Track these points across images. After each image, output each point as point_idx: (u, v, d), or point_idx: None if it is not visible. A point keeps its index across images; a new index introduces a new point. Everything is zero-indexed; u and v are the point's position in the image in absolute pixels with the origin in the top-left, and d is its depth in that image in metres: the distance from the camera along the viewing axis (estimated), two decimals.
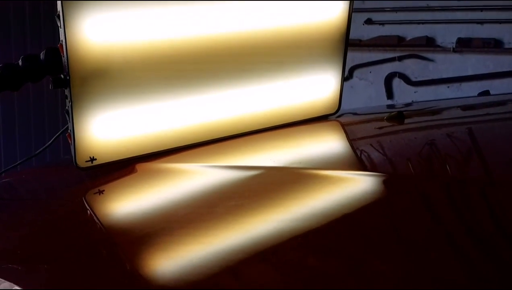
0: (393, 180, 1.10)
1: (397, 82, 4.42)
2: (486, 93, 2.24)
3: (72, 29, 1.17)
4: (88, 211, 1.19)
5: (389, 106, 3.27)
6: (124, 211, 1.17)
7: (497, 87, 4.07)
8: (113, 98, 1.27)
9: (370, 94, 4.49)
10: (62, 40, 1.19)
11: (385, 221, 0.93)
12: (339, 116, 1.69)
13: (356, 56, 4.55)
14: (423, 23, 4.27)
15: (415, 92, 4.34)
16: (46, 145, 1.45)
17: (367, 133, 1.49)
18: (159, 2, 1.27)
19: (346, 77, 4.67)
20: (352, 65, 4.57)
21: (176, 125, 1.39)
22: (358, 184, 1.08)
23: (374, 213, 0.96)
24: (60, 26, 1.17)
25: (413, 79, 4.37)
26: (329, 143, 1.46)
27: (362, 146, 1.36)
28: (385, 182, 1.09)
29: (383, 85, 4.49)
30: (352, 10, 1.61)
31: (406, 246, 0.83)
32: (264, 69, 1.50)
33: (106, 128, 1.29)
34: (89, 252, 0.96)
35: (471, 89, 4.16)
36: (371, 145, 1.34)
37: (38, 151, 1.50)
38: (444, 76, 4.26)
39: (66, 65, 1.19)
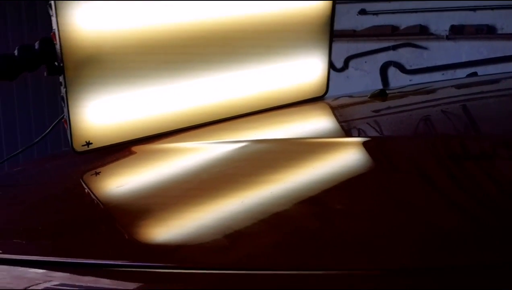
0: (378, 142, 1.16)
1: (392, 71, 4.46)
2: (474, 74, 2.29)
3: (64, 17, 1.23)
4: (86, 190, 1.24)
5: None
6: (118, 189, 1.23)
7: (491, 72, 4.11)
8: (107, 83, 1.33)
9: (366, 83, 4.54)
10: (54, 29, 1.24)
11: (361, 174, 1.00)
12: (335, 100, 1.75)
13: (351, 47, 4.60)
14: (416, 11, 4.31)
15: (410, 80, 4.38)
16: (45, 132, 1.51)
17: (353, 110, 1.55)
18: None
19: (341, 68, 4.71)
20: (347, 55, 4.61)
21: (168, 109, 1.44)
22: (340, 148, 1.14)
23: (353, 170, 1.02)
24: (52, 14, 1.23)
25: (408, 68, 4.41)
26: (317, 119, 1.52)
27: (347, 119, 1.43)
28: (367, 144, 1.15)
29: (379, 75, 4.53)
30: None
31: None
32: (253, 53, 1.56)
33: (100, 113, 1.34)
34: (87, 227, 1.02)
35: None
36: (356, 118, 1.41)
37: (37, 139, 1.55)
38: (439, 63, 4.30)
39: (60, 52, 1.25)
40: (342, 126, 1.40)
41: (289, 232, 0.82)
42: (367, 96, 1.52)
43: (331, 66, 4.93)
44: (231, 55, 1.52)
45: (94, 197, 1.18)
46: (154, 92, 1.40)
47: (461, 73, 4.24)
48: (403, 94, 1.60)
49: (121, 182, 1.27)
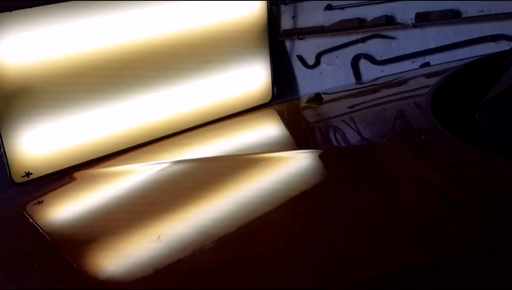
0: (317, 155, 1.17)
1: (363, 63, 4.47)
2: (426, 64, 2.31)
3: None
4: (30, 221, 1.25)
5: (357, 83, 3.37)
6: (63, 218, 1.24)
7: (459, 56, 4.12)
8: (40, 113, 1.34)
9: (339, 78, 4.55)
10: None
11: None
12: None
13: (321, 43, 4.61)
14: (381, 2, 4.32)
15: (381, 71, 4.39)
16: None
17: (290, 118, 1.57)
18: (72, 16, 1.34)
19: (313, 64, 4.73)
20: (318, 51, 4.62)
21: (107, 132, 1.46)
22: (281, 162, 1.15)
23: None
24: None
25: (378, 59, 4.42)
26: (256, 131, 1.53)
27: (281, 131, 1.44)
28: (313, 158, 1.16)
29: (351, 68, 4.54)
30: (270, 2, 1.67)
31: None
32: (190, 68, 1.57)
33: (37, 142, 1.35)
34: (34, 261, 1.04)
35: (435, 61, 4.20)
36: (290, 128, 1.42)
37: None
38: (408, 52, 4.31)
39: None
40: (278, 139, 1.41)
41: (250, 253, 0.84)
42: (304, 100, 1.54)
43: (303, 63, 4.90)
44: (168, 72, 1.53)
45: (39, 229, 1.19)
46: (91, 116, 1.42)
47: (431, 59, 4.25)
48: (337, 97, 1.62)
49: (64, 210, 1.28)
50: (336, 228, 0.85)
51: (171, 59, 1.52)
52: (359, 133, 1.21)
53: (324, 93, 1.57)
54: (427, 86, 1.30)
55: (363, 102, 1.49)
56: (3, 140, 1.30)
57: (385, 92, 1.58)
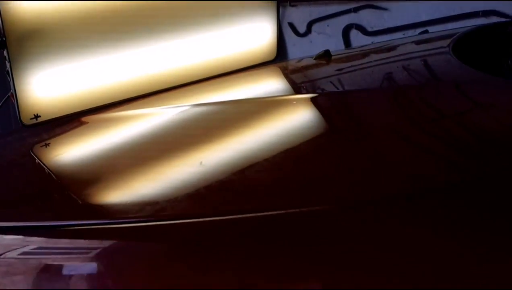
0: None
1: (354, 34, 4.47)
2: (425, 32, 2.33)
3: None
4: (36, 161, 1.26)
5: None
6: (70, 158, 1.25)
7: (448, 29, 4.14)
8: (52, 55, 1.34)
9: (329, 47, 4.53)
10: None
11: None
12: None
13: (313, 11, 4.60)
14: None
15: (372, 42, 4.40)
16: None
17: (300, 72, 1.60)
18: None
19: (304, 33, 4.72)
20: (309, 20, 4.62)
21: (116, 79, 1.46)
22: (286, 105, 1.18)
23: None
24: None
25: (369, 30, 4.43)
26: (267, 81, 1.55)
27: (296, 80, 1.47)
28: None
29: (341, 38, 4.55)
30: None
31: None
32: (200, 20, 1.57)
33: (47, 85, 1.35)
34: (41, 196, 1.05)
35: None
36: (301, 78, 1.45)
37: None
38: (399, 24, 4.32)
39: (1, 27, 1.26)
40: (292, 85, 1.44)
41: (251, 181, 0.88)
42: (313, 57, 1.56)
43: (294, 31, 4.89)
44: (178, 22, 1.53)
45: (45, 168, 1.20)
46: (101, 62, 1.42)
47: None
48: (349, 55, 1.64)
49: (70, 152, 1.29)
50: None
51: (181, 9, 1.52)
52: (383, 78, 1.24)
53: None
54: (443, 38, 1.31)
55: (380, 58, 1.51)
56: (14, 81, 1.30)
57: (400, 50, 1.60)
